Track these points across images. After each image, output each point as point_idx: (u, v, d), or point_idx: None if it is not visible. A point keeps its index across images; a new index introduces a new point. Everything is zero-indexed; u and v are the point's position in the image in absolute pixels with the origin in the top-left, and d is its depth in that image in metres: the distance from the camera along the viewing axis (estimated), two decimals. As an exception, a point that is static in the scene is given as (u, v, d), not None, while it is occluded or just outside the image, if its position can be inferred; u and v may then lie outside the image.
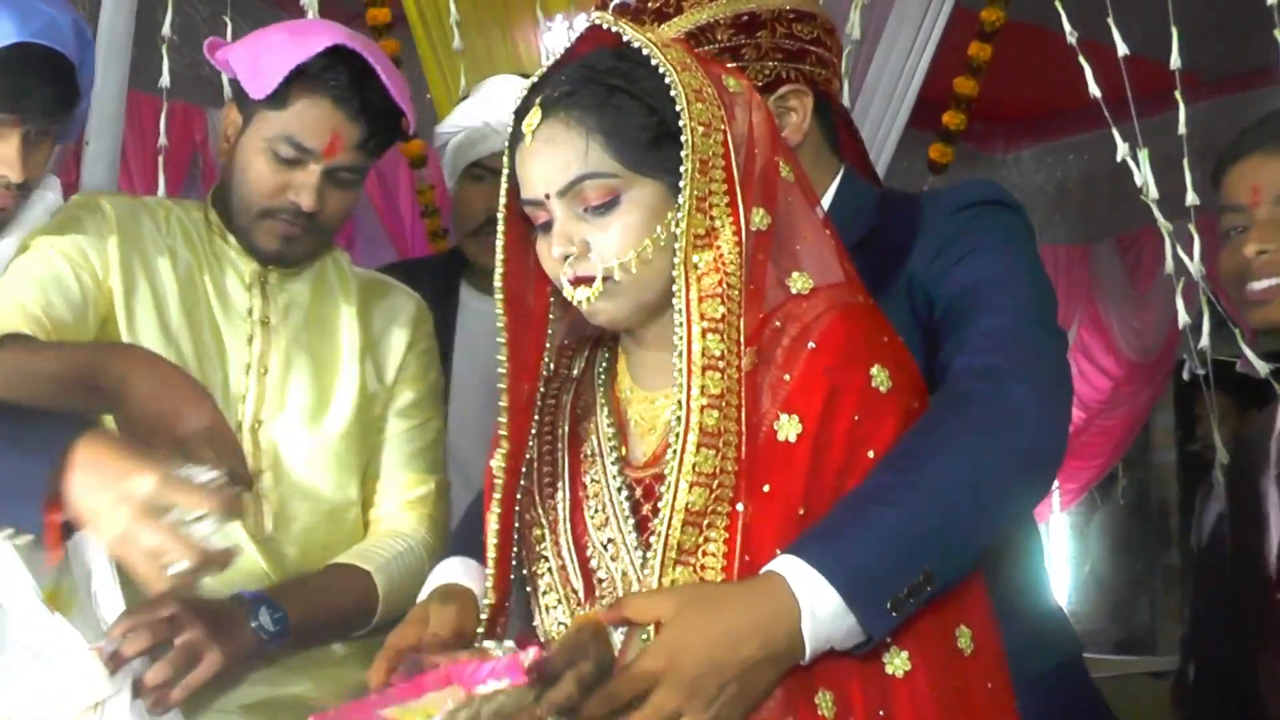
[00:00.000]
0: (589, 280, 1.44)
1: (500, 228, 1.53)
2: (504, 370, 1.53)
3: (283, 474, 1.96)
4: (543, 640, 1.49)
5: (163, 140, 3.06)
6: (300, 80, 1.89)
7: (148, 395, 1.64)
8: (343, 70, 1.90)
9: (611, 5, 1.60)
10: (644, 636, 1.33)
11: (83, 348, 1.76)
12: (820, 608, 1.32)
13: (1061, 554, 7.25)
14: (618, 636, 1.35)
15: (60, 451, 1.40)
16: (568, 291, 1.46)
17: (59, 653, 1.61)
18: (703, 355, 1.38)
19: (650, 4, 1.73)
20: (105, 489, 1.38)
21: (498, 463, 1.53)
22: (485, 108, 2.76)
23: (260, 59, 1.92)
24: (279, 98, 1.90)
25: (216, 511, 1.37)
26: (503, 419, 1.53)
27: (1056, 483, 6.40)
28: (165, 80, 2.95)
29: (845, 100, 3.14)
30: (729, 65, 1.67)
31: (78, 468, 1.40)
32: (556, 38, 3.60)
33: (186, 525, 1.36)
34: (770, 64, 1.73)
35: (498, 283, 1.53)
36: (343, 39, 1.91)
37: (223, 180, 2.01)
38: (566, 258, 1.44)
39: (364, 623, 1.95)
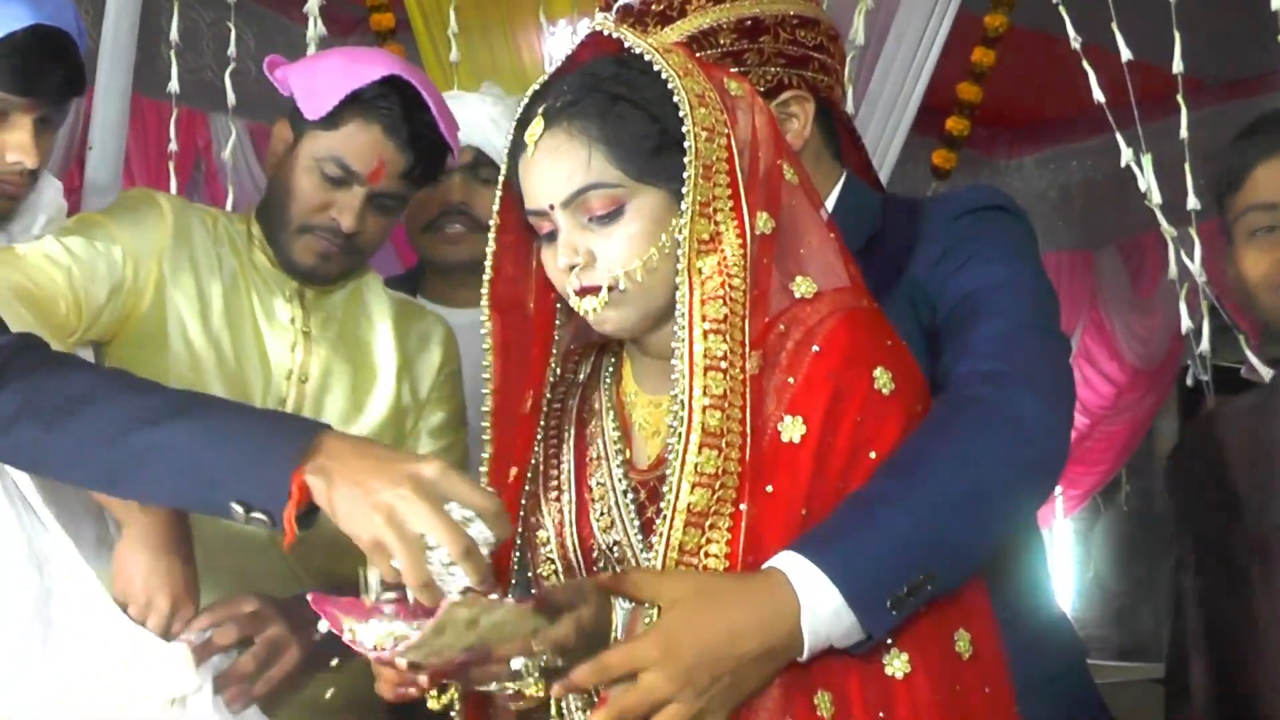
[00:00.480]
0: (595, 290, 1.44)
1: (491, 235, 1.53)
2: (488, 376, 1.54)
3: None
4: None
5: (173, 145, 3.07)
6: (354, 105, 1.95)
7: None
8: (395, 100, 1.95)
9: (615, 7, 1.60)
10: (647, 620, 1.33)
11: None
12: (820, 604, 1.32)
13: (1065, 560, 7.23)
14: (623, 612, 1.34)
15: (310, 435, 1.36)
16: (574, 301, 1.46)
17: (134, 645, 1.63)
18: (705, 356, 1.38)
19: (654, 6, 1.73)
20: (380, 472, 1.31)
21: (486, 467, 1.54)
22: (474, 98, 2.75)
23: (318, 80, 1.99)
24: (332, 119, 1.96)
25: (487, 516, 1.31)
26: (485, 424, 1.53)
27: (1060, 488, 6.40)
28: (174, 86, 2.97)
29: (849, 105, 3.13)
30: (732, 70, 1.68)
31: (334, 454, 1.34)
32: (559, 43, 3.60)
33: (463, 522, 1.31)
34: (772, 69, 1.73)
35: (485, 290, 1.53)
36: (399, 69, 1.97)
37: (268, 194, 2.06)
38: (572, 268, 1.44)
39: None
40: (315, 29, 3.07)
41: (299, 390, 2.02)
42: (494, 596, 1.29)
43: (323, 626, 1.33)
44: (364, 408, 2.07)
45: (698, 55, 1.68)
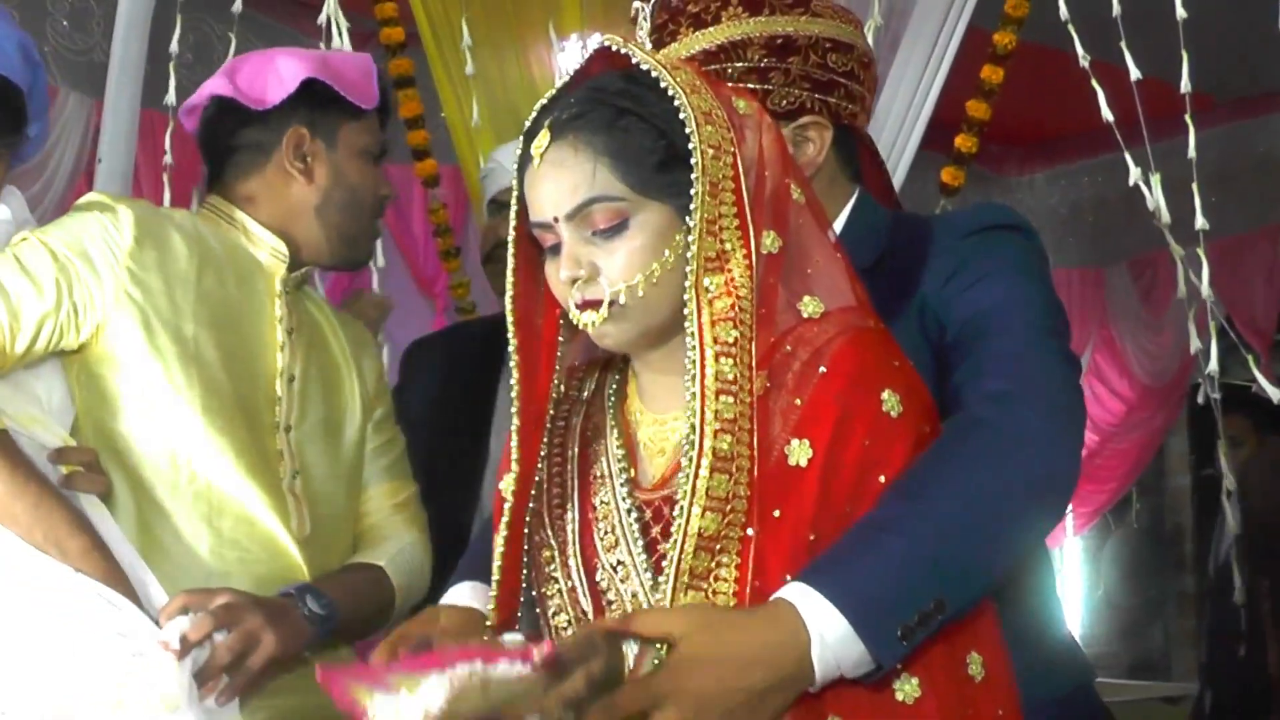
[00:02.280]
0: (596, 304, 1.43)
1: (510, 250, 1.53)
2: (515, 394, 1.53)
3: (309, 479, 2.02)
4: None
5: (168, 159, 3.08)
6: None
7: None
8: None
9: (651, 2, 1.58)
10: (655, 659, 1.32)
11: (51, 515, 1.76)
12: (830, 635, 1.30)
13: (1075, 578, 7.22)
14: (632, 655, 1.33)
15: None
16: (575, 315, 1.45)
17: (148, 639, 1.68)
18: (716, 379, 1.38)
19: (690, 8, 1.72)
20: None
21: (507, 485, 1.53)
22: (505, 152, 2.83)
23: (345, 76, 2.10)
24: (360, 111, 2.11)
25: None
26: (514, 442, 1.53)
27: (1070, 507, 6.38)
28: (171, 98, 2.97)
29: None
30: (755, 86, 1.67)
31: None
32: (570, 57, 3.60)
33: None
34: (796, 91, 1.71)
35: (508, 305, 1.53)
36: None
37: (299, 198, 2.08)
38: (574, 281, 1.44)
39: (385, 617, 2.06)
40: (343, 41, 3.10)
41: (288, 391, 2.02)
42: (505, 639, 1.28)
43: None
44: (341, 410, 2.11)
45: (725, 67, 1.68)
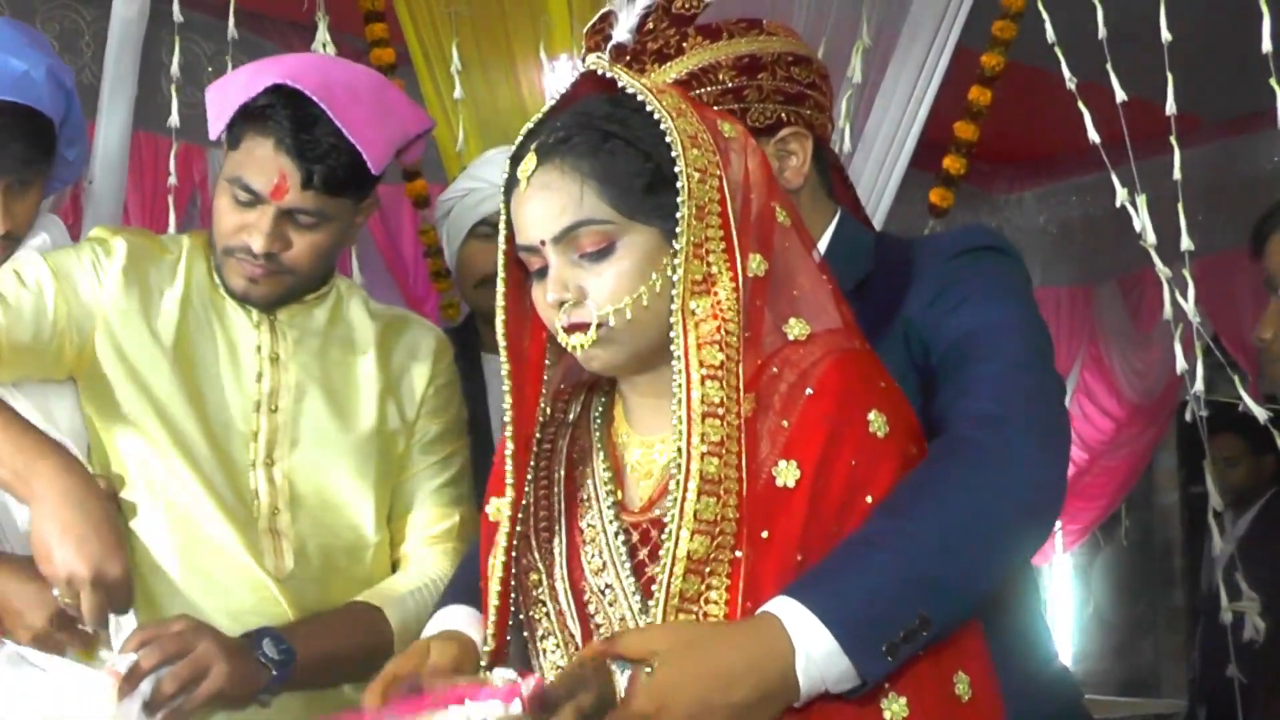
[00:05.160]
0: (584, 327, 1.43)
1: (500, 274, 1.53)
2: (508, 418, 1.53)
3: (300, 511, 1.96)
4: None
5: (172, 179, 3.08)
6: (247, 120, 1.87)
7: (38, 528, 1.69)
8: (283, 109, 1.85)
9: (610, 44, 1.60)
10: (645, 679, 1.32)
11: (17, 441, 1.75)
12: (814, 649, 1.31)
13: (1064, 595, 7.21)
14: (622, 679, 1.33)
15: None
16: (562, 338, 1.46)
17: (66, 668, 1.66)
18: (702, 402, 1.38)
19: (650, 45, 1.73)
20: None
21: (498, 509, 1.52)
22: (490, 170, 2.83)
23: (216, 97, 1.92)
24: (233, 138, 1.89)
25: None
26: (508, 466, 1.52)
27: (1059, 523, 6.38)
28: (174, 120, 2.97)
29: (846, 143, 3.16)
30: (733, 106, 1.69)
31: None
32: (560, 79, 3.60)
33: None
34: (771, 106, 1.73)
35: (500, 329, 1.53)
36: (287, 77, 1.87)
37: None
38: (561, 304, 1.44)
39: (379, 661, 1.87)
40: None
41: (271, 421, 1.96)
42: (491, 704, 1.28)
43: None
44: (345, 436, 2.01)
45: (699, 92, 1.69)
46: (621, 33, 1.59)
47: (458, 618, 1.63)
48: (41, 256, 1.92)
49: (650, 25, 1.68)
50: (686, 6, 1.70)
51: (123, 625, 1.77)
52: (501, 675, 1.35)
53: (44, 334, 1.86)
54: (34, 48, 1.93)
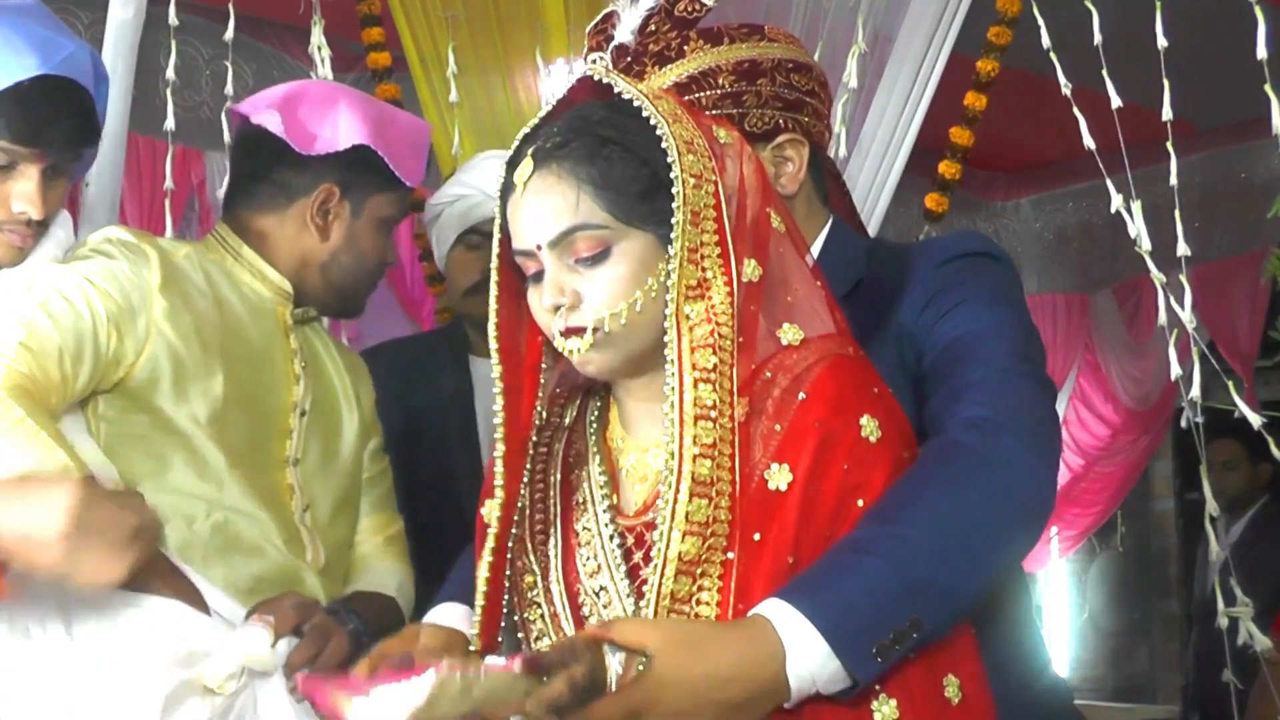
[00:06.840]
0: (580, 331, 1.44)
1: (494, 278, 1.54)
2: (500, 420, 1.53)
3: (315, 513, 2.04)
4: None
5: (169, 184, 3.07)
6: None
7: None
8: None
9: (612, 46, 1.60)
10: (640, 667, 1.32)
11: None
12: (805, 651, 1.31)
13: (1060, 601, 7.21)
14: (615, 663, 1.34)
15: None
16: (559, 342, 1.46)
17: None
18: (695, 405, 1.39)
19: (652, 47, 1.73)
20: None
21: (491, 510, 1.53)
22: (478, 176, 2.81)
23: (397, 147, 2.08)
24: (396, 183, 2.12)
25: None
26: (499, 468, 1.53)
27: (1055, 530, 6.39)
28: (170, 124, 2.97)
29: (842, 147, 3.16)
30: (731, 111, 1.70)
31: None
32: (556, 84, 3.61)
33: None
34: (770, 112, 1.74)
35: (492, 332, 1.53)
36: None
37: (308, 249, 2.09)
38: (557, 308, 1.45)
39: None
40: (323, 70, 3.10)
41: (300, 425, 2.03)
42: (486, 661, 1.28)
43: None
44: (339, 442, 2.11)
45: (698, 95, 1.69)
46: (623, 34, 1.60)
47: (452, 614, 1.65)
48: (82, 260, 1.89)
49: (652, 27, 1.69)
50: (689, 10, 1.71)
51: None
52: (493, 660, 1.35)
53: (111, 340, 1.85)
54: (68, 35, 1.90)
